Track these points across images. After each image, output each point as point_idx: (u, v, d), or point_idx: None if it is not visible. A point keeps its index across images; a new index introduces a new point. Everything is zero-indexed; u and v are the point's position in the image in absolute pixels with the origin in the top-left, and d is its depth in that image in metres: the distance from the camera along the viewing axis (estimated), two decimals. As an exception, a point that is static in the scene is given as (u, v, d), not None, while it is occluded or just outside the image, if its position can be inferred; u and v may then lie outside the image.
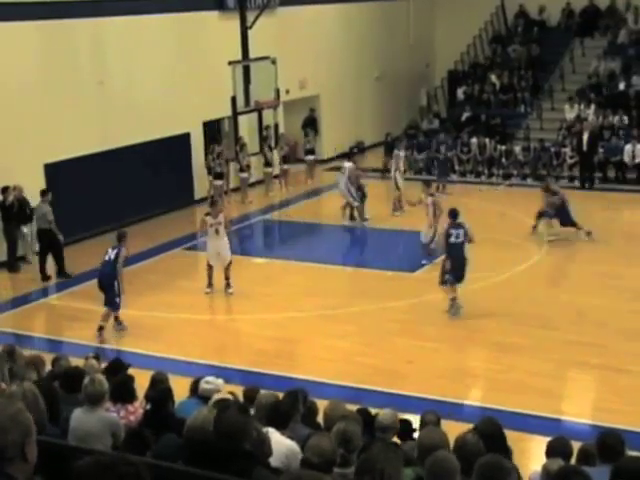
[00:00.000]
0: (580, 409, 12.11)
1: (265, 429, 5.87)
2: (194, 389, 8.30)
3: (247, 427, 5.01)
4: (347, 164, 21.82)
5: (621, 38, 29.62)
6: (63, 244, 18.29)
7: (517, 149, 26.26)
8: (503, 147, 26.38)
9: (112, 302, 14.87)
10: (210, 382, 7.89)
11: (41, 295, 17.46)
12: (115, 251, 14.84)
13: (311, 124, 28.76)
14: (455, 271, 15.35)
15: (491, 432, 6.26)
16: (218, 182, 23.64)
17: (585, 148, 24.67)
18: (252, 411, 6.56)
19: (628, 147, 24.87)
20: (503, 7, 32.59)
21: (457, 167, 26.65)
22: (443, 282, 15.50)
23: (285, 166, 25.78)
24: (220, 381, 7.99)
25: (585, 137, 24.78)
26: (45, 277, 18.04)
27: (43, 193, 18.28)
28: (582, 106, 27.20)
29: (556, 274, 17.29)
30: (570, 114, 27.24)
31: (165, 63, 22.57)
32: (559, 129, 26.89)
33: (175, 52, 22.89)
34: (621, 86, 27.68)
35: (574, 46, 30.24)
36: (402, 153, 22.71)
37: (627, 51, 29.03)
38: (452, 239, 15.26)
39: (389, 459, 4.99)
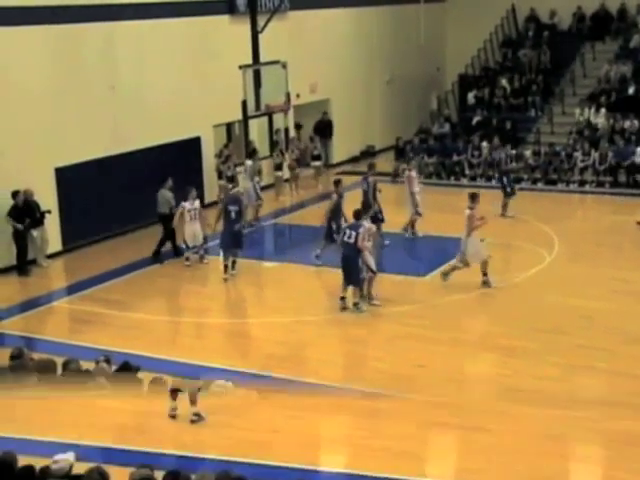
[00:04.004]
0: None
1: None
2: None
3: None
4: None
5: (633, 42, 29.53)
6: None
7: (528, 153, 26.24)
8: (514, 151, 26.34)
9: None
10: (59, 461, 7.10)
11: (51, 298, 17.48)
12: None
13: (325, 128, 28.72)
14: (344, 272, 15.67)
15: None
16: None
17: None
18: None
19: (640, 150, 24.82)
20: (514, 11, 32.58)
21: (467, 171, 26.68)
22: None
23: (295, 170, 25.77)
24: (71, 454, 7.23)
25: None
26: (157, 257, 19.30)
27: (163, 181, 19.59)
28: (593, 110, 27.14)
29: (565, 278, 17.22)
30: (581, 118, 27.18)
31: (176, 67, 22.63)
32: (570, 133, 26.85)
33: (186, 56, 22.93)
34: (631, 90, 27.61)
35: (585, 50, 30.23)
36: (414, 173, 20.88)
37: (638, 55, 28.96)
38: (345, 238, 15.64)
39: None
